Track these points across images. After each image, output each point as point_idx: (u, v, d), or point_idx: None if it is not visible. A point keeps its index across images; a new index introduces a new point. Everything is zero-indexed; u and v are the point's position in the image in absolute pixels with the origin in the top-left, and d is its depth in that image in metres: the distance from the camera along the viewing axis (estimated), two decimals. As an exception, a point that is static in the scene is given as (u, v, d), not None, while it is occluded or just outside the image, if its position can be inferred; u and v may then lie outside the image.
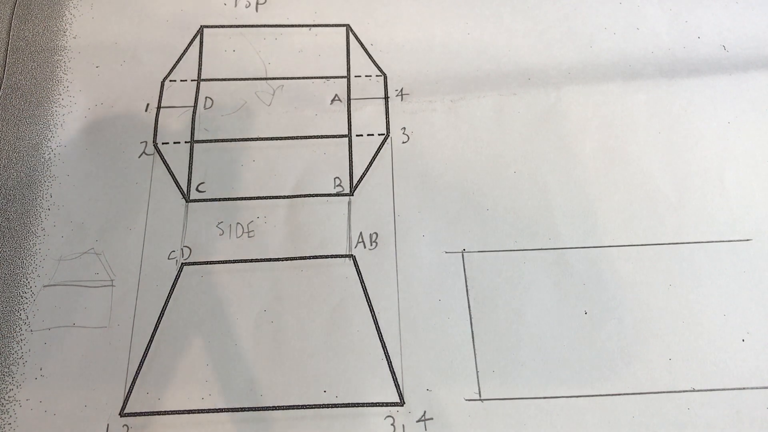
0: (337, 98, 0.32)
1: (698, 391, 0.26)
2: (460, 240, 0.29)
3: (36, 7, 0.34)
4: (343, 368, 0.27)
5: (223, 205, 0.30)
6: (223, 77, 0.33)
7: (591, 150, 0.31)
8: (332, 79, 0.33)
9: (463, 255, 0.29)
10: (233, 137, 0.31)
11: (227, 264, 0.29)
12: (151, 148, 0.31)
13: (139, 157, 0.31)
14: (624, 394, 0.26)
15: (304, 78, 0.33)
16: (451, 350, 0.27)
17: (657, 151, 0.31)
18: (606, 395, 0.26)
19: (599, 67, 0.33)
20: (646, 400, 0.26)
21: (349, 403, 0.26)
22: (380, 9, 0.35)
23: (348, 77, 0.33)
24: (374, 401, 0.26)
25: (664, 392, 0.26)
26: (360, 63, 0.33)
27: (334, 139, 0.31)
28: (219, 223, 0.30)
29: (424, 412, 0.26)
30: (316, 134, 0.31)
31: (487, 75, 0.33)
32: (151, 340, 0.27)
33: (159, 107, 0.32)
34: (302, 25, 0.34)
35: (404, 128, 0.32)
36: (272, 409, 0.26)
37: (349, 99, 0.32)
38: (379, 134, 0.32)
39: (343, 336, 0.27)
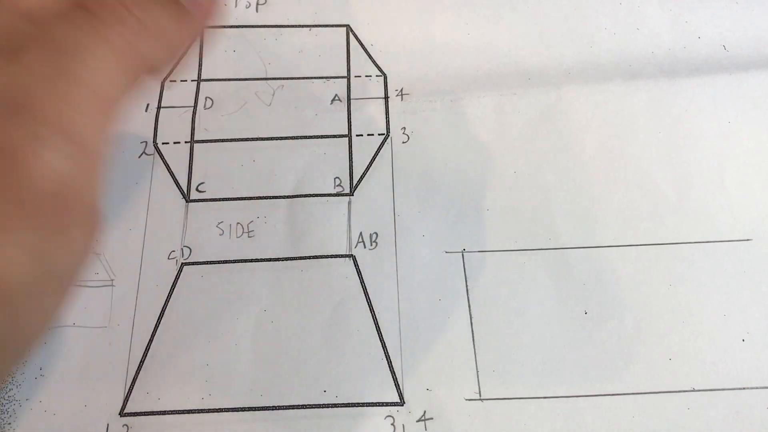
0: (337, 98, 0.32)
1: (698, 391, 0.26)
2: (460, 240, 0.29)
3: (36, 7, 0.34)
4: (343, 368, 0.27)
5: (223, 205, 0.30)
6: (223, 77, 0.33)
7: (591, 150, 0.31)
8: (332, 79, 0.33)
9: (463, 255, 0.29)
10: (233, 137, 0.31)
11: (227, 264, 0.29)
12: (151, 148, 0.31)
13: (139, 157, 0.31)
14: (624, 394, 0.26)
15: (304, 78, 0.33)
16: (451, 350, 0.27)
17: (657, 151, 0.31)
18: (606, 395, 0.26)
19: (599, 67, 0.33)
20: (646, 400, 0.26)
21: (349, 403, 0.26)
22: (380, 9, 0.35)
23: (348, 77, 0.33)
24: (374, 401, 0.26)
25: (664, 392, 0.26)
26: (360, 63, 0.33)
27: (334, 139, 0.31)
28: (219, 223, 0.30)
29: (424, 411, 0.26)
30: (316, 134, 0.31)
31: (487, 75, 0.33)
32: (151, 340, 0.27)
33: (159, 107, 0.32)
34: (302, 26, 0.34)
35: (404, 128, 0.32)
36: (272, 409, 0.26)
37: (349, 99, 0.32)
38: (379, 134, 0.32)
39: (343, 336, 0.27)
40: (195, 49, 0.33)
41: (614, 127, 0.32)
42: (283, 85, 0.33)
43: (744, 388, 0.26)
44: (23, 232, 0.15)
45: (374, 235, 0.29)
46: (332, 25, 0.34)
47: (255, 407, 0.26)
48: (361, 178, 0.30)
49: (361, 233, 0.29)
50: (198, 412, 0.26)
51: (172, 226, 0.29)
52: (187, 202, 0.30)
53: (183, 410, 0.26)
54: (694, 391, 0.26)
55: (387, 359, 0.27)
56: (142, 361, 0.27)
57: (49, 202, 0.15)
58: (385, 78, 0.33)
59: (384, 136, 0.31)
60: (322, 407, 0.26)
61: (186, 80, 0.33)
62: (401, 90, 0.33)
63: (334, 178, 0.30)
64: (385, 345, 0.27)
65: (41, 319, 0.17)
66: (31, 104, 0.15)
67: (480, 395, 0.26)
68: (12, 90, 0.15)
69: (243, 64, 0.33)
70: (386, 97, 0.32)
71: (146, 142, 0.31)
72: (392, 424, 0.26)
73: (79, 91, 0.16)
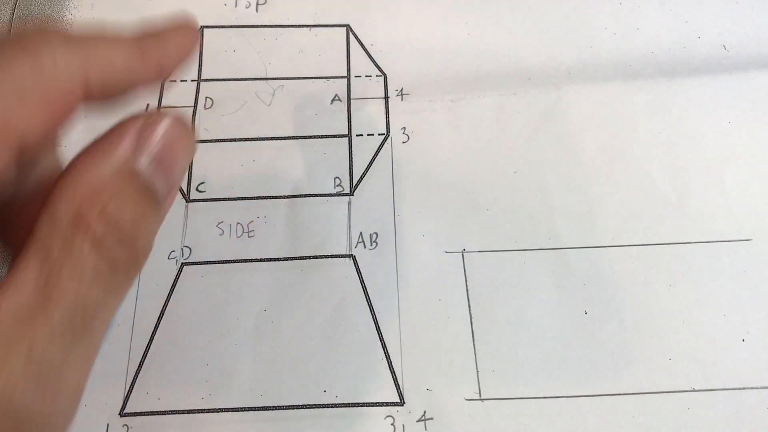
0: (337, 98, 0.32)
1: (698, 391, 0.26)
2: (460, 240, 0.29)
3: (36, 8, 0.34)
4: (343, 368, 0.27)
5: (223, 205, 0.30)
6: (223, 77, 0.33)
7: (591, 150, 0.31)
8: (332, 79, 0.33)
9: (463, 255, 0.29)
10: (233, 137, 0.31)
11: (227, 264, 0.29)
12: (151, 148, 0.31)
13: (139, 157, 0.31)
14: (624, 394, 0.26)
15: (304, 78, 0.33)
16: (451, 350, 0.27)
17: (657, 151, 0.31)
18: (606, 395, 0.26)
19: (599, 67, 0.33)
20: (646, 400, 0.26)
21: (349, 403, 0.26)
22: (380, 9, 0.35)
23: (348, 77, 0.33)
24: (374, 401, 0.26)
25: (664, 392, 0.26)
26: (360, 63, 0.33)
27: (334, 139, 0.31)
28: (219, 223, 0.30)
29: (424, 412, 0.26)
30: (316, 134, 0.31)
31: (487, 75, 0.33)
32: (151, 340, 0.27)
33: (159, 107, 0.32)
34: (302, 25, 0.34)
35: (404, 128, 0.32)
36: (272, 409, 0.26)
37: (349, 99, 0.32)
38: (379, 134, 0.32)
39: (343, 336, 0.27)
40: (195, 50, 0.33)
41: (614, 127, 0.32)
42: (283, 85, 0.33)
43: (744, 388, 0.26)
44: None
45: (374, 235, 0.29)
46: (332, 25, 0.34)
47: (255, 407, 0.26)
48: (361, 178, 0.30)
49: (361, 233, 0.29)
50: (198, 412, 0.26)
51: (172, 226, 0.29)
52: (187, 202, 0.30)
53: (183, 410, 0.26)
54: (694, 391, 0.26)
55: (387, 359, 0.27)
56: (142, 361, 0.27)
57: None
58: (385, 78, 0.33)
59: (384, 136, 0.31)
60: (322, 407, 0.26)
61: (186, 80, 0.33)
62: (401, 90, 0.33)
63: (334, 178, 0.30)
64: (385, 345, 0.27)
65: None
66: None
67: (480, 395, 0.26)
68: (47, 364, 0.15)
69: (243, 64, 0.33)
70: (386, 97, 0.32)
71: (146, 142, 0.31)
72: (392, 424, 0.26)
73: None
